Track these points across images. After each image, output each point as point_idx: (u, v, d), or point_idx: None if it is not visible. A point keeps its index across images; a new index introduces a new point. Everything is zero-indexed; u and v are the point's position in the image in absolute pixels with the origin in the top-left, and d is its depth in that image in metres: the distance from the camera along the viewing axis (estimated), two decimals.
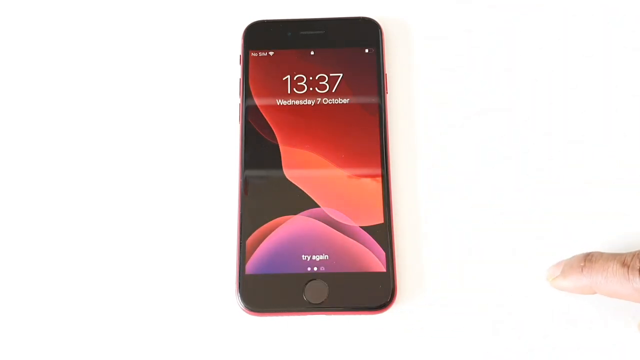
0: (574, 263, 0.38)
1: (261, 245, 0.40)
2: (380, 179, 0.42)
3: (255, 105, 0.43)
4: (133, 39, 0.47)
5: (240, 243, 0.40)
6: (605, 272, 0.36)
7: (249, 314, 0.39)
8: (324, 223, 0.40)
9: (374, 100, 0.43)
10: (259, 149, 0.42)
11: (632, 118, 0.44)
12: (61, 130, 0.44)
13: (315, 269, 0.39)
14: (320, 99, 0.44)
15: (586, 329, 0.39)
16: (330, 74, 0.44)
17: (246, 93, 0.44)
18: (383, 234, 0.40)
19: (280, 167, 0.42)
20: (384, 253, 0.40)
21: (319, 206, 0.41)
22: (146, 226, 0.42)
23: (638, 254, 0.35)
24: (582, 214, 0.41)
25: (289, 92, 0.44)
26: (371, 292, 0.39)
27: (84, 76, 0.46)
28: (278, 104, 0.44)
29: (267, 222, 0.41)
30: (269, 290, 0.39)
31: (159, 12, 0.48)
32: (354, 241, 0.40)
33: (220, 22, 0.47)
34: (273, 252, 0.40)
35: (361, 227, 0.40)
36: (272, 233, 0.40)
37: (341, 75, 0.44)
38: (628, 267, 0.35)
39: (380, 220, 0.40)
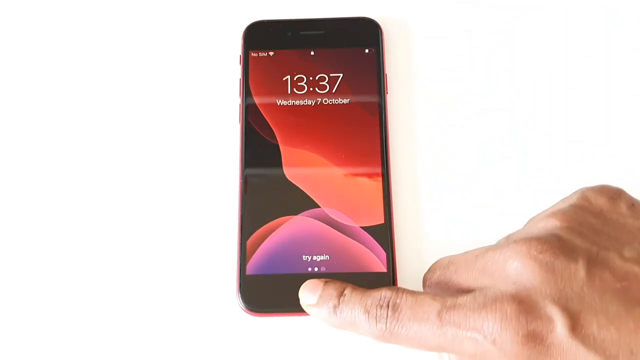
0: (328, 297, 0.36)
1: (262, 245, 0.40)
2: (380, 179, 0.42)
3: (255, 105, 0.43)
4: (133, 40, 0.47)
5: (241, 243, 0.40)
6: (353, 317, 0.35)
7: (250, 314, 0.39)
8: (325, 223, 0.40)
9: (374, 100, 0.43)
10: (259, 148, 0.42)
11: (632, 118, 0.44)
12: (61, 130, 0.44)
13: (316, 269, 0.39)
14: (320, 99, 0.44)
15: None
16: (331, 74, 0.44)
17: (246, 93, 0.44)
18: (383, 234, 0.40)
19: (280, 167, 0.42)
20: (384, 253, 0.40)
21: (319, 206, 0.41)
22: (146, 226, 0.42)
23: (380, 301, 0.34)
24: None
25: (289, 92, 0.44)
26: None
27: (84, 77, 0.46)
28: (278, 104, 0.44)
29: (267, 222, 0.41)
30: (269, 290, 0.39)
31: (159, 12, 0.48)
32: (355, 241, 0.40)
33: (220, 22, 0.47)
34: (273, 253, 0.40)
35: (361, 227, 0.40)
36: (273, 233, 0.40)
37: (341, 75, 0.44)
38: (368, 313, 0.34)
39: (381, 221, 0.40)
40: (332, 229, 0.40)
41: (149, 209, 0.42)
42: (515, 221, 0.41)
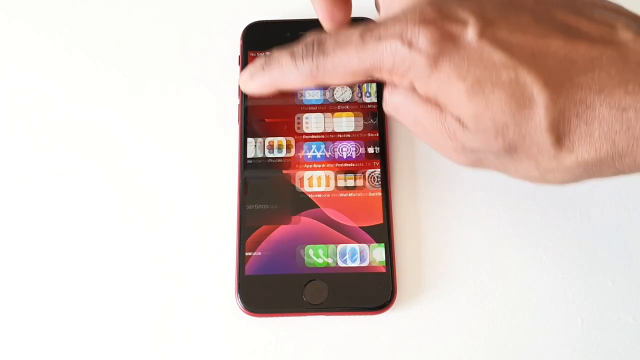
0: (255, 61, 0.36)
1: (261, 245, 0.40)
2: (379, 179, 0.42)
3: (255, 106, 0.43)
4: (133, 39, 0.47)
5: (240, 243, 0.40)
6: (280, 67, 0.35)
7: (249, 314, 0.39)
8: (324, 223, 0.40)
9: (373, 100, 0.43)
10: (258, 149, 0.42)
11: None
12: (61, 130, 0.44)
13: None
14: (319, 99, 0.44)
15: (587, 328, 0.39)
16: None
17: (245, 93, 0.44)
18: (382, 234, 0.40)
19: (279, 167, 0.42)
20: (383, 253, 0.40)
21: (318, 207, 0.41)
22: (146, 227, 0.42)
23: (306, 42, 0.34)
24: (584, 213, 0.41)
25: (288, 92, 0.44)
26: (371, 292, 0.39)
27: (84, 76, 0.46)
28: (277, 104, 0.44)
29: (266, 222, 0.41)
30: (268, 291, 0.39)
31: (159, 12, 0.48)
32: (354, 241, 0.40)
33: (220, 22, 0.47)
34: (273, 253, 0.40)
35: (361, 227, 0.40)
36: (272, 233, 0.40)
37: None
38: (294, 55, 0.34)
39: (380, 221, 0.40)
40: (331, 229, 0.40)
41: (148, 209, 0.42)
42: (515, 220, 0.41)
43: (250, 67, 0.37)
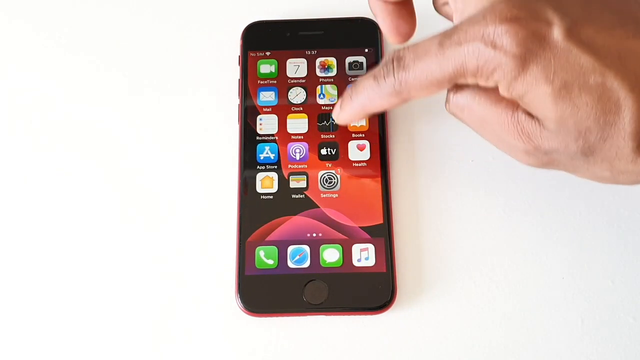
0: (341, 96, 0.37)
1: (261, 246, 0.40)
2: (379, 179, 0.42)
3: (255, 106, 0.43)
4: (133, 39, 0.47)
5: (240, 243, 0.40)
6: (365, 91, 0.35)
7: (249, 314, 0.39)
8: (324, 223, 0.40)
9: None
10: (258, 149, 0.43)
11: None
12: (61, 130, 0.44)
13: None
14: (319, 100, 0.44)
15: (587, 328, 0.39)
16: (329, 74, 0.44)
17: (245, 93, 0.44)
18: (382, 234, 0.40)
19: (279, 167, 0.42)
20: (383, 253, 0.40)
21: (318, 207, 0.41)
22: (146, 227, 0.42)
23: (385, 61, 0.34)
24: (584, 213, 0.41)
25: (288, 92, 0.44)
26: (371, 292, 0.39)
27: (84, 76, 0.46)
28: (277, 104, 0.44)
29: (266, 222, 0.41)
30: (268, 291, 0.39)
31: (159, 12, 0.48)
32: (354, 241, 0.40)
33: (220, 22, 0.47)
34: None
35: (361, 227, 0.40)
36: (272, 234, 0.40)
37: (340, 75, 0.44)
38: (376, 76, 0.34)
39: (380, 221, 0.40)
40: (331, 229, 0.40)
41: (148, 209, 0.42)
42: (515, 220, 0.41)
43: (339, 99, 0.37)
